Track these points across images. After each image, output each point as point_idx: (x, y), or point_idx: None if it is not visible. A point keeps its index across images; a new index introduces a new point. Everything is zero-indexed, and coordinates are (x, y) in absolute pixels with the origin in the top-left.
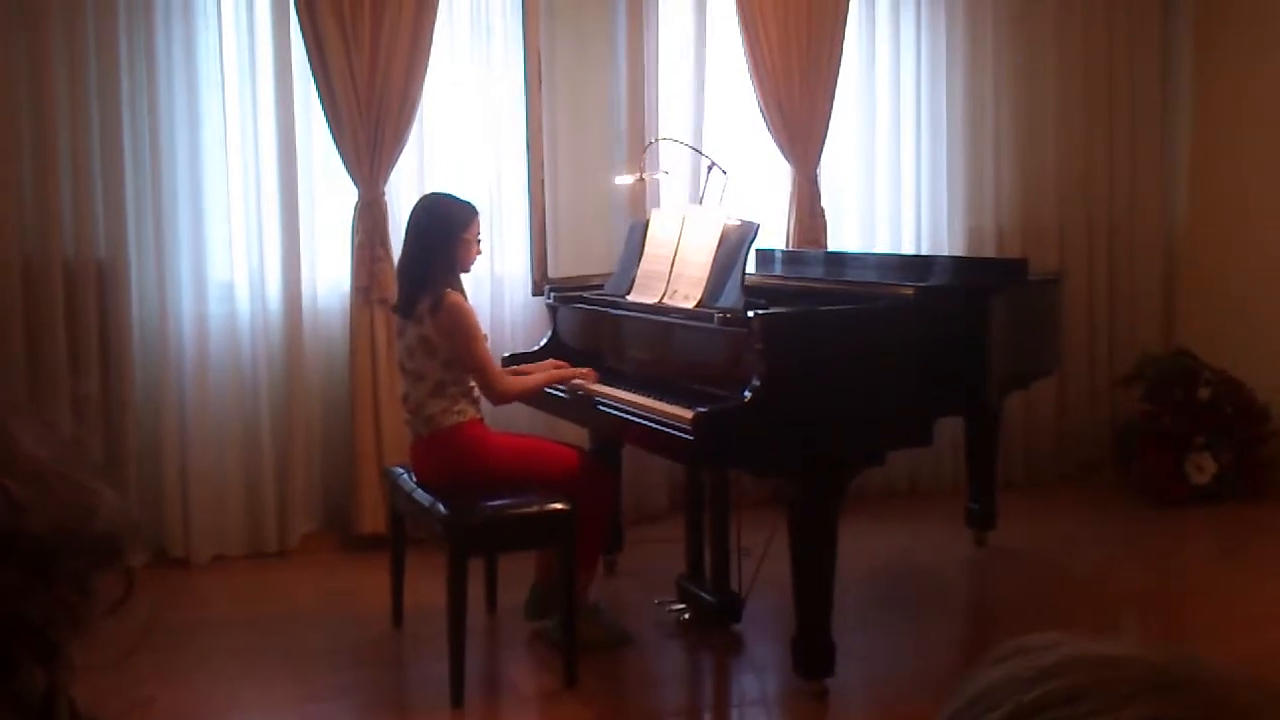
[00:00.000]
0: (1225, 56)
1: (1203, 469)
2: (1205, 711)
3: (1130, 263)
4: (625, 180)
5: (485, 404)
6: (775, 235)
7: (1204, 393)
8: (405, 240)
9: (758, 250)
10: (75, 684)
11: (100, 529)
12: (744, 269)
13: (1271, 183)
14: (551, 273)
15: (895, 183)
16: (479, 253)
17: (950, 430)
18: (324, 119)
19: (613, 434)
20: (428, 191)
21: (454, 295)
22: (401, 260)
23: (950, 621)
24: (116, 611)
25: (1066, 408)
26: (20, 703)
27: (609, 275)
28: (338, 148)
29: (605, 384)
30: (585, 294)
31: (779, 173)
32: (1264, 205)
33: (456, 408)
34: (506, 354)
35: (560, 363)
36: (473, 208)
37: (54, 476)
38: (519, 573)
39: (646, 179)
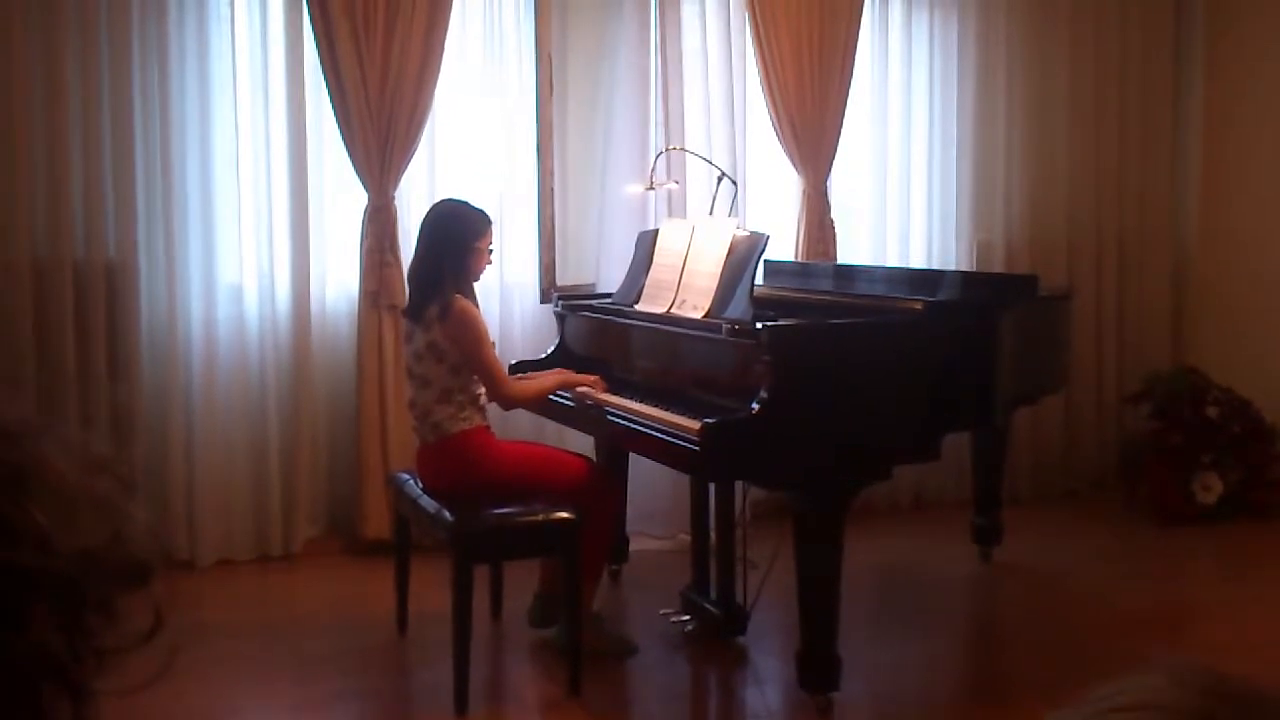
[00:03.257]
0: (1237, 75)
1: (1209, 488)
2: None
3: (1139, 280)
4: (635, 189)
5: (492, 411)
6: (785, 247)
7: (1212, 411)
8: (418, 245)
9: (767, 262)
10: (100, 714)
11: (129, 554)
12: (753, 280)
13: None
14: (560, 281)
15: (905, 197)
16: (489, 262)
17: (957, 445)
18: (335, 123)
19: (619, 443)
20: (442, 198)
21: (463, 301)
22: (413, 265)
23: (955, 636)
24: (145, 644)
25: (1074, 424)
26: None
27: (618, 284)
28: (348, 152)
29: (612, 393)
30: (593, 302)
31: (789, 184)
32: (1274, 224)
33: (463, 414)
34: (514, 361)
35: (566, 371)
36: (487, 217)
37: (82, 499)
38: (524, 580)
39: (656, 188)
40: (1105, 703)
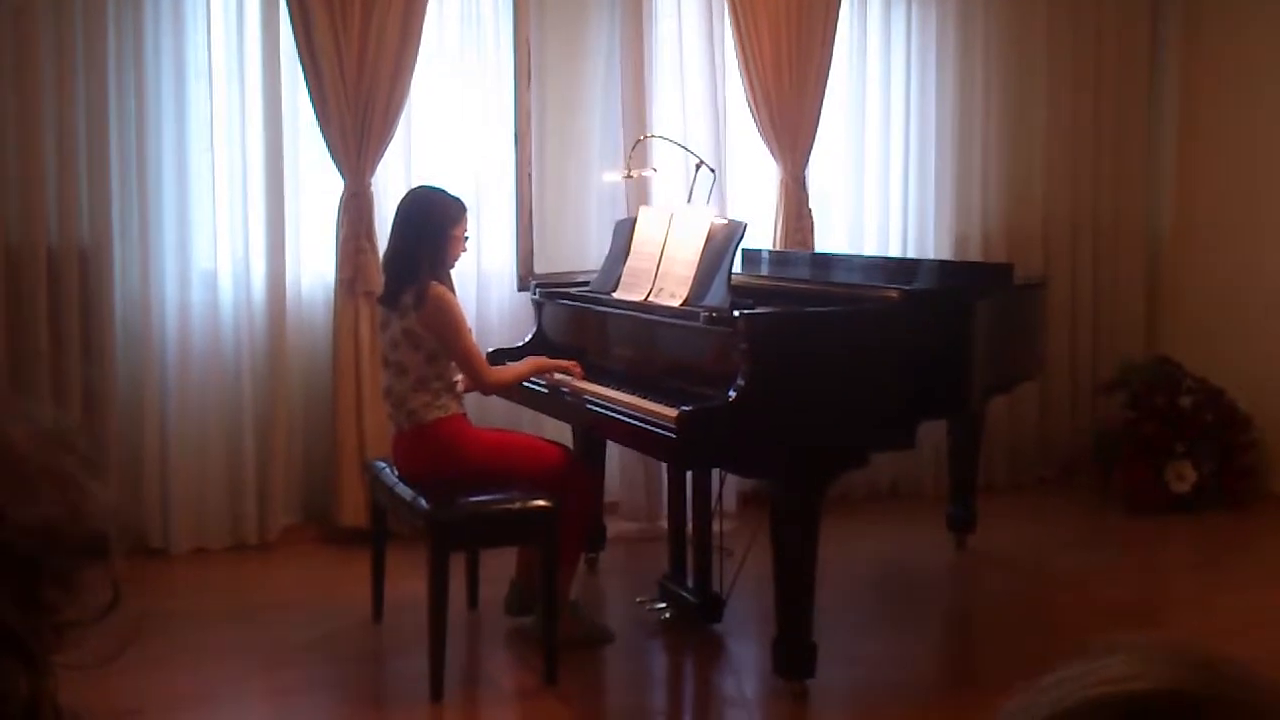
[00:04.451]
0: (1211, 67)
1: (1183, 477)
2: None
3: (1114, 269)
4: (613, 177)
5: (469, 399)
6: (763, 235)
7: (1185, 400)
8: (393, 232)
9: (745, 250)
10: (60, 686)
11: (87, 528)
12: (730, 268)
13: (1254, 191)
14: (537, 268)
15: (883, 186)
16: (464, 250)
17: (933, 433)
18: (311, 109)
19: (596, 431)
20: (417, 185)
21: (438, 287)
22: (388, 252)
23: (930, 623)
24: (104, 618)
25: (1048, 413)
26: (3, 709)
27: (595, 272)
28: (325, 138)
29: (590, 381)
30: (571, 290)
31: (767, 173)
32: (1247, 213)
33: (439, 402)
34: (491, 349)
35: (542, 359)
36: (462, 204)
37: (40, 474)
38: (500, 568)
39: (635, 176)
40: (1072, 685)
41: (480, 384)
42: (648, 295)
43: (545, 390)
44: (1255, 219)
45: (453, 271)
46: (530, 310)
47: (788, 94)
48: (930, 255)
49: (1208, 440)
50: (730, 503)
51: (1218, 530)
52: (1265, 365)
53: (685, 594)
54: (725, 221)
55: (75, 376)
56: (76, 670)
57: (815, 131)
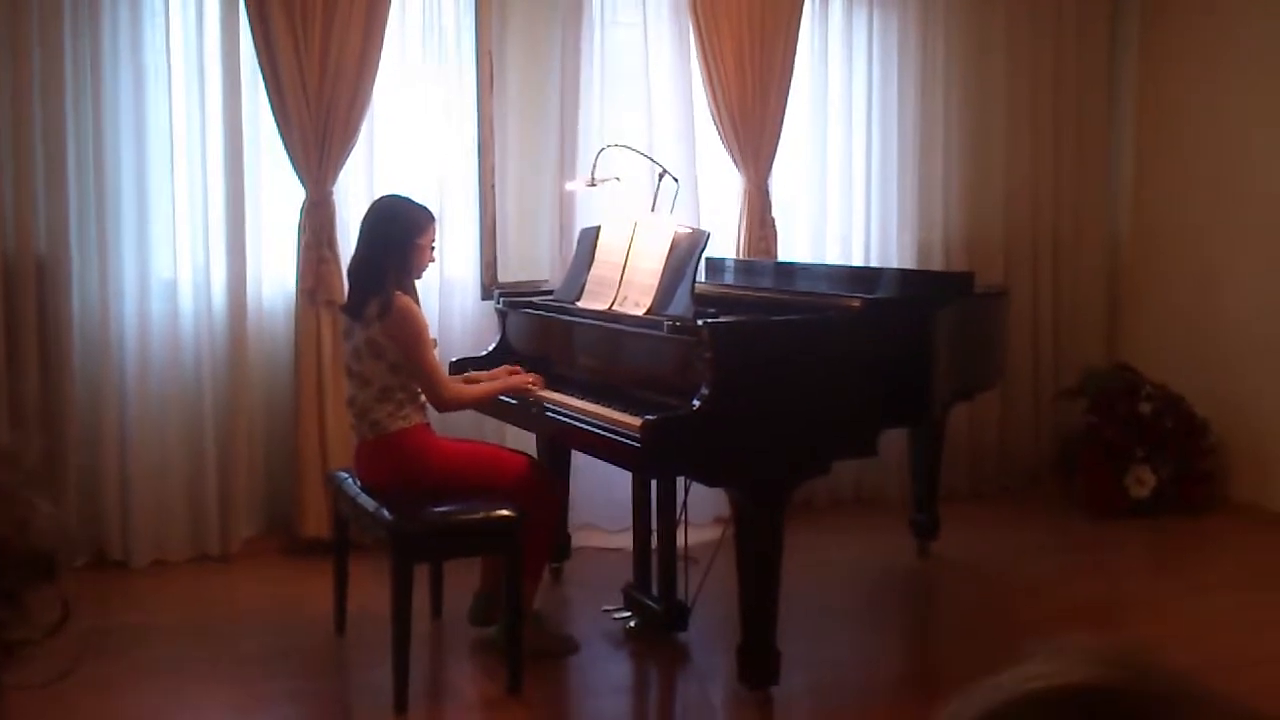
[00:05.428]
0: (1169, 75)
1: (1143, 482)
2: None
3: (1074, 277)
4: (576, 186)
5: (431, 410)
6: (726, 244)
7: (1145, 407)
8: (359, 241)
9: (708, 259)
10: (10, 706)
11: (34, 545)
12: (694, 277)
13: (1212, 199)
14: (501, 277)
15: (846, 195)
16: (432, 259)
17: (896, 440)
18: (272, 117)
19: (560, 440)
20: (382, 193)
21: (404, 298)
22: (353, 261)
23: (893, 630)
24: (53, 636)
25: (1010, 420)
26: None
27: (559, 280)
28: (286, 146)
29: (554, 390)
30: (535, 299)
31: (730, 182)
32: (1205, 221)
33: (403, 413)
34: (455, 359)
35: (514, 368)
36: (429, 214)
37: None
38: (464, 579)
39: (598, 185)
40: (1008, 683)
41: (438, 401)
42: (612, 304)
43: (509, 400)
44: (1214, 227)
45: (416, 281)
46: (494, 319)
47: (750, 103)
48: (892, 264)
49: (1167, 446)
50: (716, 510)
51: (1176, 535)
52: (1223, 373)
53: (650, 602)
54: (689, 230)
55: (33, 387)
56: (27, 689)
57: (778, 140)
